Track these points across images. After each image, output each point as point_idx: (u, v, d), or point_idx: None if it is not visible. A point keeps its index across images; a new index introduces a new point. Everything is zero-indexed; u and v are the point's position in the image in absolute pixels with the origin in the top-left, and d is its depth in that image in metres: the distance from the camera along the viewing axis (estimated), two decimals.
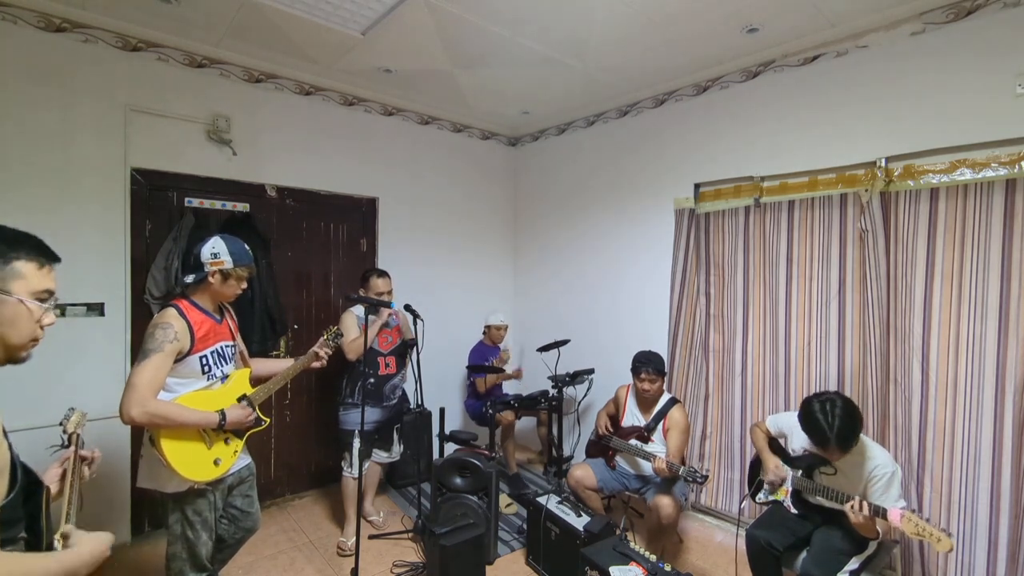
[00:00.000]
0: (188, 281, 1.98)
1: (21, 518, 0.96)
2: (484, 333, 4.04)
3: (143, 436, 1.93)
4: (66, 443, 1.38)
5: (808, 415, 2.09)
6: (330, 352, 2.43)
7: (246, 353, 2.37)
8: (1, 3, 2.49)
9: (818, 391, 2.28)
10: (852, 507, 1.93)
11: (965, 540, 2.43)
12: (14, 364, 1.03)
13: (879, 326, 2.65)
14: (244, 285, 2.06)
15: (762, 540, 2.20)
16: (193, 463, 1.88)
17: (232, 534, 2.18)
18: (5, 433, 0.97)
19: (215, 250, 1.96)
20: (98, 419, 2.81)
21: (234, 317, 2.24)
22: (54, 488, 1.23)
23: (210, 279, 1.96)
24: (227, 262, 1.95)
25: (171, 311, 1.92)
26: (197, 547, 1.97)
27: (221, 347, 2.05)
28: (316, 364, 2.37)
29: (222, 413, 1.93)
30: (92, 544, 1.04)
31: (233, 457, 2.02)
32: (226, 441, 2.00)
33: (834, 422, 2.00)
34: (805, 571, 2.06)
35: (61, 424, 1.40)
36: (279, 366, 2.36)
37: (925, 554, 2.52)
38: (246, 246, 2.05)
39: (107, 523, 2.86)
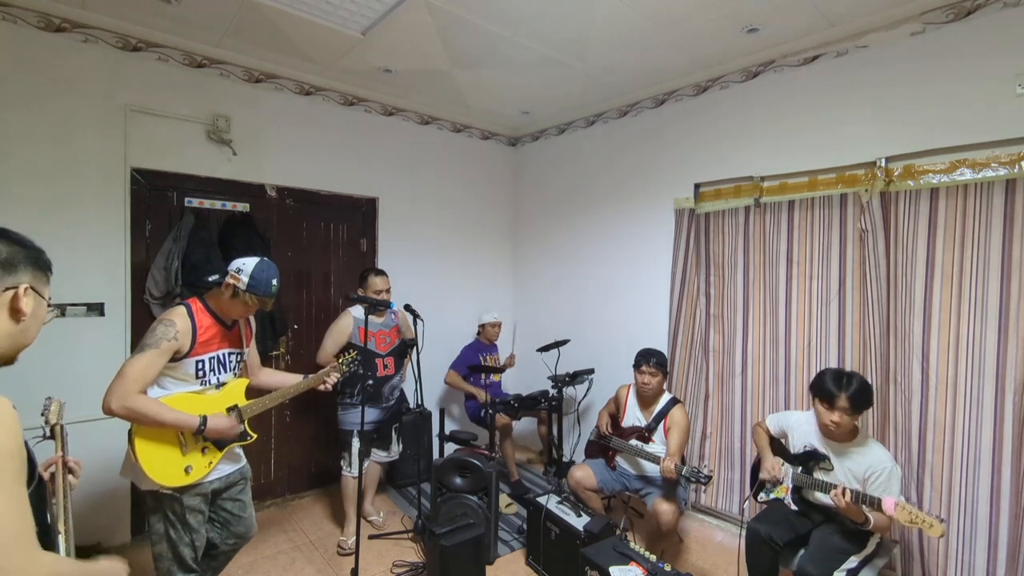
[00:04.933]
0: (209, 280, 2.00)
1: (34, 512, 0.98)
2: (479, 333, 4.05)
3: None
4: (48, 434, 1.38)
5: (823, 377, 2.20)
6: (339, 378, 2.43)
7: (257, 362, 2.34)
8: (1, 3, 2.49)
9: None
10: (836, 494, 2.01)
11: (965, 540, 2.43)
12: (9, 365, 1.06)
13: (879, 326, 2.65)
14: (251, 312, 2.06)
15: (763, 534, 2.21)
16: (163, 467, 1.84)
17: (224, 539, 2.14)
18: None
19: (241, 267, 1.96)
20: (99, 419, 2.82)
21: (251, 325, 2.23)
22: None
23: (223, 289, 1.97)
24: (242, 282, 1.94)
25: (180, 309, 1.92)
26: (180, 548, 1.93)
27: (223, 354, 2.03)
28: (323, 387, 2.36)
29: (203, 419, 1.89)
30: (114, 567, 1.09)
31: (207, 468, 1.95)
32: (203, 451, 1.95)
33: (849, 381, 2.12)
34: (802, 568, 2.06)
35: (42, 415, 1.40)
36: (287, 380, 2.34)
37: (925, 554, 2.52)
38: (275, 280, 2.01)
39: (107, 523, 2.86)
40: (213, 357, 1.99)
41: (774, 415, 2.56)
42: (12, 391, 0.96)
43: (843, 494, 1.99)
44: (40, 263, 1.07)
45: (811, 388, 2.26)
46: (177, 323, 1.87)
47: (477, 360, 3.85)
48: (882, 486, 2.06)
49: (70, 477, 1.33)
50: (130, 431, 1.85)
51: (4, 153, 2.53)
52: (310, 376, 2.35)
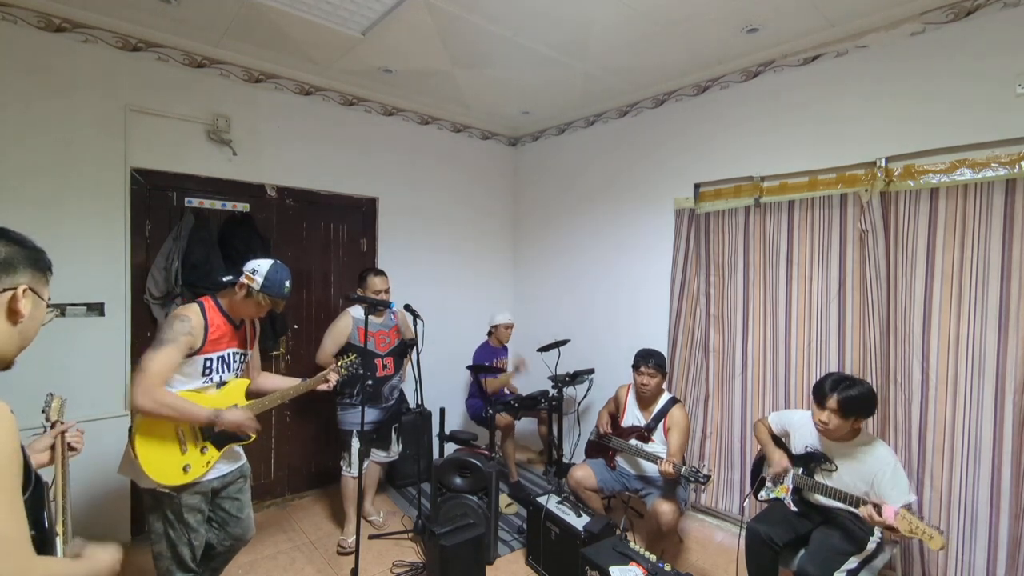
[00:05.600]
0: (223, 280, 2.05)
1: (29, 516, 0.98)
2: (490, 334, 3.99)
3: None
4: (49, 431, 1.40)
5: (826, 377, 2.20)
6: (340, 379, 2.48)
7: (258, 363, 2.36)
8: (1, 3, 2.49)
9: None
10: (867, 516, 1.94)
11: (965, 540, 2.43)
12: (7, 369, 1.06)
13: (879, 326, 2.65)
14: (262, 313, 2.10)
15: (763, 534, 2.20)
16: (161, 465, 1.85)
17: (221, 540, 2.13)
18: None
19: (256, 268, 2.01)
20: (99, 419, 2.82)
21: (255, 326, 2.25)
22: (45, 459, 1.30)
23: (236, 289, 2.01)
24: (256, 283, 1.98)
25: (194, 306, 1.96)
26: (179, 548, 1.94)
27: (229, 353, 2.05)
28: (323, 386, 2.40)
29: (216, 413, 1.91)
30: (108, 557, 1.10)
31: (205, 468, 1.96)
32: (202, 451, 1.96)
33: (841, 385, 2.11)
34: (802, 569, 2.06)
35: (43, 412, 1.41)
36: (286, 384, 2.36)
37: (925, 554, 2.52)
38: (288, 283, 2.06)
39: (107, 523, 2.85)
40: (220, 356, 2.01)
41: (776, 413, 2.56)
42: (11, 391, 0.96)
43: (870, 514, 1.92)
44: (40, 264, 1.05)
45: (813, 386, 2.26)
46: (192, 319, 1.90)
47: (489, 364, 3.84)
48: (888, 484, 2.03)
49: (73, 441, 1.37)
50: (130, 429, 1.86)
51: (4, 153, 2.53)
52: (309, 379, 2.36)
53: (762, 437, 2.51)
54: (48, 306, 1.10)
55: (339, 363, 2.51)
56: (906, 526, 1.83)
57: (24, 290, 0.99)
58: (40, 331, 1.09)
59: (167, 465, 1.86)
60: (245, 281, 1.99)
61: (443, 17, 2.68)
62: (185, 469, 1.90)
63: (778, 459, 2.37)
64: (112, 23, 2.76)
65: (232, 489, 2.12)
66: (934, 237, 2.49)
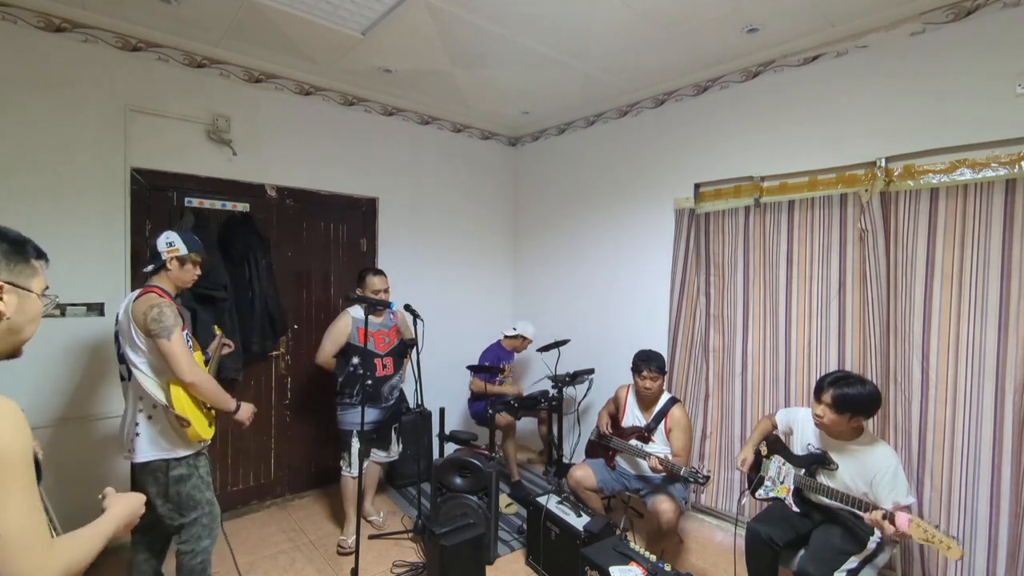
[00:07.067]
0: (147, 271, 2.16)
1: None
2: (508, 338, 3.99)
3: (134, 415, 2.06)
4: None
5: (831, 373, 2.21)
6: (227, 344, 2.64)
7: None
8: (1, 3, 2.49)
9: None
10: (873, 521, 1.94)
11: (965, 540, 2.43)
12: (14, 358, 1.05)
13: (879, 326, 2.65)
14: (198, 272, 2.24)
15: (763, 534, 2.20)
16: (200, 423, 2.09)
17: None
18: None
19: (171, 241, 2.15)
20: (100, 419, 2.82)
21: None
22: None
23: (168, 265, 2.13)
24: (181, 249, 2.14)
25: (153, 295, 2.04)
26: (215, 507, 2.16)
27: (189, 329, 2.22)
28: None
29: (238, 403, 2.25)
30: (121, 503, 1.12)
31: (215, 420, 2.23)
32: (209, 409, 2.19)
33: (840, 382, 2.11)
34: (802, 569, 2.06)
35: None
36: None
37: (925, 554, 2.52)
38: (196, 237, 2.24)
39: None
40: (187, 332, 2.15)
41: (784, 410, 2.55)
42: (10, 391, 0.95)
43: (873, 517, 1.93)
44: (18, 255, 0.99)
45: None
46: (171, 303, 2.05)
47: (495, 364, 3.83)
48: (887, 486, 2.03)
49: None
50: (169, 396, 1.99)
51: (3, 152, 2.53)
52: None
53: (754, 433, 2.54)
54: (43, 296, 1.04)
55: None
56: (920, 534, 1.79)
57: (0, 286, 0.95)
58: (40, 322, 1.05)
59: (202, 422, 2.10)
60: (171, 254, 2.13)
61: (443, 17, 2.68)
62: (211, 424, 2.17)
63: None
64: (112, 23, 2.76)
65: None
66: (934, 237, 2.49)
